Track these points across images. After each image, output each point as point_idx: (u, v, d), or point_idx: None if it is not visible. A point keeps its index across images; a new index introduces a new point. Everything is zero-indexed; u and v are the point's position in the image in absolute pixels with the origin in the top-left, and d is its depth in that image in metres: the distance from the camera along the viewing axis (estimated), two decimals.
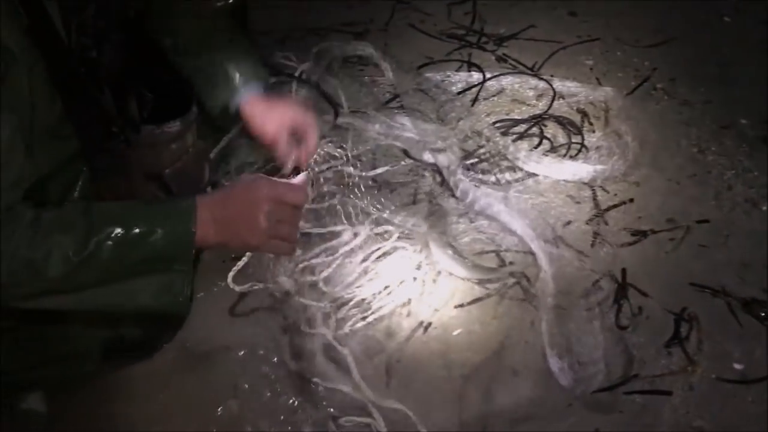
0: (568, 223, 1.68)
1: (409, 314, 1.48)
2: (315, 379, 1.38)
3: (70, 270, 0.95)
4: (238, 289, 1.44)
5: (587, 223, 1.68)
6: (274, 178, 1.10)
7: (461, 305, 1.51)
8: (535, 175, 1.77)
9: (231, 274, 1.42)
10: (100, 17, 1.12)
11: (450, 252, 1.58)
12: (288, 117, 1.32)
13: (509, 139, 1.84)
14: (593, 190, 1.75)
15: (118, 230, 0.97)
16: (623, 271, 1.57)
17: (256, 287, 1.47)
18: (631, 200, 1.73)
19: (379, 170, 1.78)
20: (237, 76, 1.34)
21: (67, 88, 1.05)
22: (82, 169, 1.21)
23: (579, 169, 1.76)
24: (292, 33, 2.22)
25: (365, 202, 1.71)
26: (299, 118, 1.34)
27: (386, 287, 1.52)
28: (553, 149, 1.85)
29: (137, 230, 0.98)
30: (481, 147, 1.79)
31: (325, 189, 1.75)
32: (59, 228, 0.95)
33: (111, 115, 1.19)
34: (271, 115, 1.32)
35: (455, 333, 1.47)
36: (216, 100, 1.35)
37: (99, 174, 1.25)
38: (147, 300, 1.04)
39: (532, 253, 1.58)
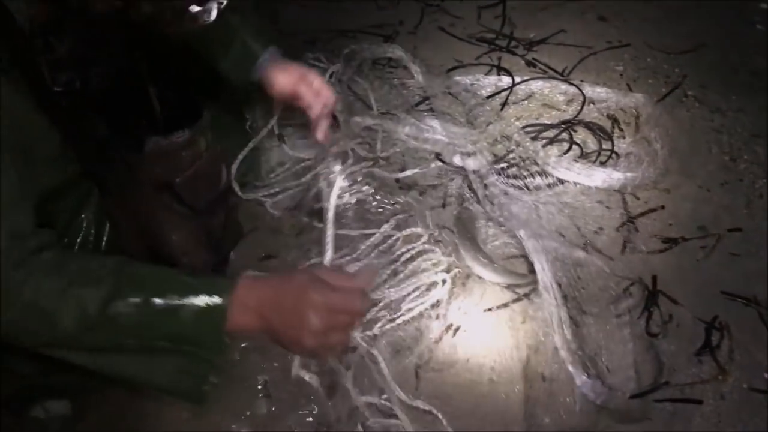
0: (599, 229, 1.67)
1: (438, 317, 1.48)
2: (343, 380, 1.38)
3: (86, 328, 0.92)
4: None
5: (617, 230, 1.67)
6: (331, 278, 1.00)
7: (490, 309, 1.51)
8: (564, 180, 1.76)
9: None
10: (80, 49, 1.09)
11: (479, 256, 1.58)
12: (299, 72, 1.55)
13: (539, 144, 1.83)
14: (623, 196, 1.74)
15: (146, 299, 0.92)
16: (654, 278, 1.56)
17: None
18: (662, 207, 1.71)
19: (408, 172, 1.78)
20: (252, 41, 1.51)
21: (59, 117, 1.06)
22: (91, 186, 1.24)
23: (609, 176, 1.74)
24: (322, 35, 2.23)
25: (394, 204, 1.73)
26: (308, 73, 1.56)
27: (415, 289, 1.52)
28: (583, 155, 1.84)
29: (166, 302, 0.93)
30: (511, 152, 1.79)
31: (355, 190, 1.76)
32: (83, 282, 0.92)
33: (105, 136, 1.19)
34: (286, 73, 1.53)
35: (484, 337, 1.46)
36: (232, 64, 1.51)
37: (108, 189, 1.27)
38: (161, 380, 1.00)
39: (560, 260, 1.58)
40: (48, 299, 0.90)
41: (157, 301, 0.93)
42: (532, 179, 1.74)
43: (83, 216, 1.27)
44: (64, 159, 1.14)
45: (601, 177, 1.73)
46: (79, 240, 1.26)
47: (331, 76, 1.98)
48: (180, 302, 0.93)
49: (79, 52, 1.08)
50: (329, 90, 1.59)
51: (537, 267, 1.49)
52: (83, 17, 1.06)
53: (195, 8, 1.01)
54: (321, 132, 1.65)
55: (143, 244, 1.32)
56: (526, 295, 1.54)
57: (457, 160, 1.78)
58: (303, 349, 0.99)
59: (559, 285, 1.53)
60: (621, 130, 1.92)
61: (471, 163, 1.76)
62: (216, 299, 0.94)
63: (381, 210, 1.70)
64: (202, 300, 0.93)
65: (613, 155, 1.84)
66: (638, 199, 1.74)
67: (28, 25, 0.97)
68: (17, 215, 0.94)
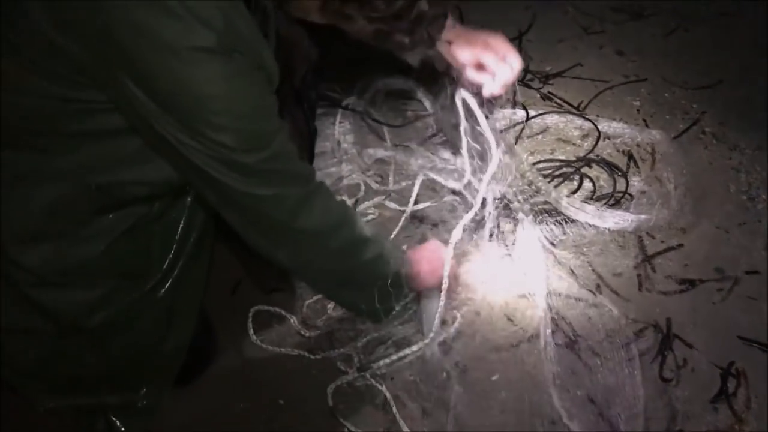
0: (612, 269, 1.64)
1: (447, 354, 1.46)
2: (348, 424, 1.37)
3: (352, 244, 1.26)
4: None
5: (632, 270, 1.64)
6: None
7: (501, 348, 1.48)
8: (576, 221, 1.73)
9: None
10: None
11: (489, 293, 1.55)
12: (482, 40, 1.42)
13: (551, 184, 1.80)
14: (639, 235, 1.71)
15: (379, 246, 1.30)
16: (668, 321, 1.52)
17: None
18: (680, 245, 1.68)
19: (420, 206, 1.77)
20: None
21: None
22: None
23: (621, 219, 1.70)
24: (337, 65, 2.22)
25: (405, 237, 1.71)
26: (491, 38, 1.42)
27: (424, 327, 1.50)
28: (596, 193, 1.82)
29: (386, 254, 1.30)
30: (523, 191, 1.76)
31: (369, 221, 1.75)
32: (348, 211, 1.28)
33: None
34: (467, 43, 1.42)
35: (494, 377, 1.44)
36: None
37: None
38: (368, 305, 1.35)
39: (577, 299, 1.55)
40: (341, 215, 1.24)
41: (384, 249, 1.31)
42: (543, 217, 1.71)
43: None
44: None
45: (613, 219, 1.69)
46: None
47: (345, 108, 1.98)
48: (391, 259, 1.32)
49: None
50: (515, 54, 1.43)
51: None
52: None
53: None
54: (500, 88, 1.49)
55: None
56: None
57: (469, 193, 1.76)
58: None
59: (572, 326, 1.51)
60: (637, 166, 1.89)
61: (483, 198, 1.74)
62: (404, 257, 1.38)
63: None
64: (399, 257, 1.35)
65: (627, 195, 1.80)
66: (654, 238, 1.71)
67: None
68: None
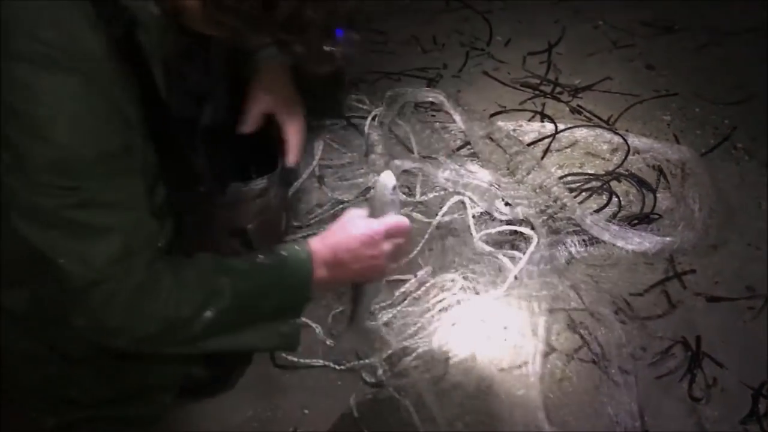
0: (640, 285, 1.63)
1: (472, 370, 1.45)
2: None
3: (212, 324, 1.00)
4: None
5: (660, 286, 1.62)
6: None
7: (526, 363, 1.47)
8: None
9: None
10: (205, 79, 1.16)
11: (516, 307, 1.55)
12: (272, 105, 1.32)
13: (576, 201, 1.78)
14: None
15: (249, 286, 1.03)
16: (698, 339, 1.51)
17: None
18: (709, 262, 1.66)
19: (446, 218, 1.77)
20: None
21: (162, 145, 1.05)
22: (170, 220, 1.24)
23: (646, 241, 1.68)
24: (366, 76, 2.24)
25: (430, 250, 1.71)
26: (292, 101, 1.34)
27: (450, 340, 1.50)
28: (623, 211, 1.80)
29: (263, 286, 1.05)
30: (549, 206, 1.75)
31: None
32: (202, 286, 1.00)
33: (200, 174, 1.20)
34: (264, 92, 1.32)
35: (519, 392, 1.43)
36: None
37: (185, 228, 1.27)
38: (259, 344, 1.12)
39: (604, 315, 1.54)
40: (178, 310, 0.98)
41: (257, 286, 1.05)
42: (569, 236, 1.69)
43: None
44: (155, 189, 1.12)
45: (637, 240, 1.67)
46: None
47: (373, 119, 1.98)
48: (275, 282, 1.06)
49: (203, 85, 1.16)
50: (295, 138, 1.35)
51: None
52: (209, 51, 1.15)
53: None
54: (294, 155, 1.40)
55: None
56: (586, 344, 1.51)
57: (496, 207, 1.76)
58: (382, 274, 1.15)
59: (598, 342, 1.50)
60: (667, 181, 1.87)
61: (510, 212, 1.73)
62: (301, 273, 1.07)
63: (417, 255, 1.69)
64: (289, 276, 1.06)
65: (654, 214, 1.78)
66: (683, 255, 1.68)
67: (161, 54, 1.00)
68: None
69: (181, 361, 1.32)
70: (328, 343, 1.51)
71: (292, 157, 1.36)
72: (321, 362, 1.48)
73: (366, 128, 1.97)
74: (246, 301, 1.04)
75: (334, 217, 1.75)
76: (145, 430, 1.35)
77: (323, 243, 1.09)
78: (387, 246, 1.09)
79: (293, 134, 1.34)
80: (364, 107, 2.08)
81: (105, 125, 0.88)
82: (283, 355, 1.49)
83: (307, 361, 1.48)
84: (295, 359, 1.48)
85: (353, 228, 1.09)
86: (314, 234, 1.69)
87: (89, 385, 1.26)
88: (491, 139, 1.95)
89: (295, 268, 1.07)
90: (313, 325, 1.53)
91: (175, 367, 1.31)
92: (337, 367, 1.47)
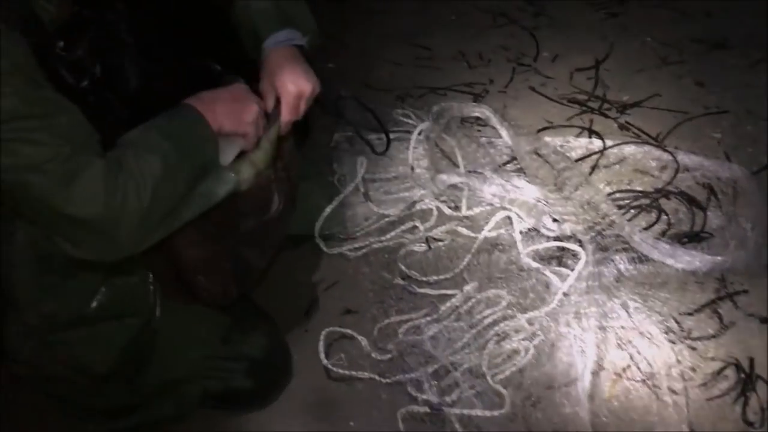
0: (691, 304, 1.60)
1: (519, 387, 1.44)
2: None
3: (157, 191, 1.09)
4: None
5: (712, 306, 1.59)
6: None
7: (574, 381, 1.45)
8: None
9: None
10: (101, 48, 1.17)
11: (564, 324, 1.53)
12: (290, 86, 1.34)
13: (625, 218, 1.77)
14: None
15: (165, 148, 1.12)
16: (751, 361, 1.47)
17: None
18: (761, 283, 1.62)
19: (493, 233, 1.76)
20: (259, 20, 1.38)
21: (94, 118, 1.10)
22: None
23: (696, 260, 1.64)
24: (413, 91, 2.26)
25: (476, 264, 1.71)
26: (308, 83, 1.35)
27: (497, 356, 1.49)
28: (672, 229, 1.77)
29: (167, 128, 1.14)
30: (597, 223, 1.73)
31: (441, 246, 1.75)
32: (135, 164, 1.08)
33: None
34: (278, 72, 1.34)
35: (567, 411, 1.41)
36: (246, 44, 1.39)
37: None
38: (219, 195, 1.20)
39: (653, 334, 1.51)
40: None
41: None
42: (618, 253, 1.67)
43: None
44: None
45: (687, 259, 1.64)
46: None
47: (419, 133, 1.99)
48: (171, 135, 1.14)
49: (100, 52, 1.16)
50: (286, 114, 1.36)
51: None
52: (104, 16, 1.17)
53: None
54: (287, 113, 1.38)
55: (158, 249, 1.28)
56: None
57: (543, 223, 1.75)
58: (247, 126, 1.25)
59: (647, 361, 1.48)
60: (717, 199, 1.84)
61: (557, 228, 1.72)
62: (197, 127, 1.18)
63: (463, 269, 1.69)
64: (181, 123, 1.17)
65: (704, 233, 1.75)
66: (735, 274, 1.65)
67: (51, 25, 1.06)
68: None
69: (201, 346, 1.39)
70: (373, 355, 1.52)
71: (285, 114, 1.36)
72: (367, 375, 1.48)
73: (412, 143, 1.97)
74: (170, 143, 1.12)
75: (380, 230, 1.79)
76: None
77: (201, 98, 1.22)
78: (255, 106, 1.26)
79: (285, 93, 1.34)
80: (410, 122, 2.10)
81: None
82: (332, 367, 1.49)
83: (353, 373, 1.49)
84: (341, 370, 1.49)
85: None
86: (361, 247, 1.74)
87: (117, 396, 1.33)
88: (538, 154, 1.95)
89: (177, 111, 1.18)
90: (359, 338, 1.54)
91: (197, 354, 1.38)
92: (383, 380, 1.47)
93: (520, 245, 1.72)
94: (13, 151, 0.97)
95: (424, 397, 1.43)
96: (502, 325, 1.54)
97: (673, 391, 1.43)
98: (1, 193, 1.02)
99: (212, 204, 1.20)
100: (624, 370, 1.48)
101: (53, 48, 1.08)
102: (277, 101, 1.35)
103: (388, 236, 1.78)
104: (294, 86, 1.33)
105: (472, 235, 1.77)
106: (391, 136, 2.03)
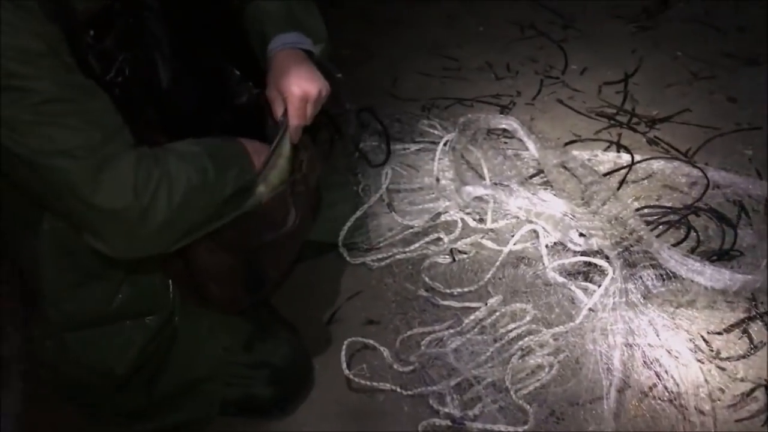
0: (720, 323, 1.56)
1: (543, 403, 1.42)
2: None
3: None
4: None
5: (741, 326, 1.56)
6: None
7: (600, 399, 1.43)
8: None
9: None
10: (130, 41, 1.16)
11: (590, 340, 1.51)
12: (295, 88, 1.27)
13: (654, 234, 1.74)
14: None
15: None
16: None
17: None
18: None
19: (518, 246, 1.74)
20: (267, 22, 1.35)
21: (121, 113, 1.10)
22: None
23: (726, 278, 1.60)
24: (439, 102, 2.25)
25: (501, 278, 1.69)
26: (299, 92, 1.27)
27: (521, 370, 1.47)
28: (701, 246, 1.74)
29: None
30: (625, 239, 1.70)
31: (465, 258, 1.74)
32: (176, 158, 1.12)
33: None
34: (283, 75, 1.28)
35: (590, 428, 1.38)
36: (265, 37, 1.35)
37: None
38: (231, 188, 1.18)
39: (680, 353, 1.48)
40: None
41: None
42: (645, 270, 1.64)
43: None
44: None
45: (716, 277, 1.60)
46: None
47: (445, 144, 1.98)
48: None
49: (129, 44, 1.15)
50: (294, 117, 1.29)
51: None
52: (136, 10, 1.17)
53: None
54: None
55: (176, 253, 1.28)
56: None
57: (569, 237, 1.72)
58: None
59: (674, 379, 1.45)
60: (748, 216, 1.81)
61: (584, 243, 1.70)
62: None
63: (487, 282, 1.67)
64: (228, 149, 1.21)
65: (734, 251, 1.72)
66: (766, 294, 1.62)
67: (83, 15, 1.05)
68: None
69: (222, 348, 1.40)
70: (395, 367, 1.50)
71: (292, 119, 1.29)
72: (389, 386, 1.47)
73: (437, 153, 1.96)
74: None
75: (404, 241, 1.78)
76: None
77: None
78: None
79: (290, 96, 1.27)
80: (436, 132, 2.09)
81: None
82: (354, 378, 1.48)
83: (375, 384, 1.47)
84: (364, 382, 1.48)
85: None
86: (384, 258, 1.74)
87: (137, 398, 1.34)
88: (565, 167, 1.92)
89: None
90: (381, 349, 1.52)
91: (216, 355, 1.39)
92: (404, 392, 1.46)
93: (546, 259, 1.70)
94: (44, 134, 0.98)
95: (446, 410, 1.41)
96: (526, 339, 1.52)
97: (700, 412, 1.40)
98: (29, 181, 1.03)
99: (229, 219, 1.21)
100: (650, 388, 1.45)
101: (83, 37, 1.07)
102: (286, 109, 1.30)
103: (412, 247, 1.77)
104: (298, 89, 1.26)
105: (497, 248, 1.75)
106: (417, 146, 2.06)
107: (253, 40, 1.38)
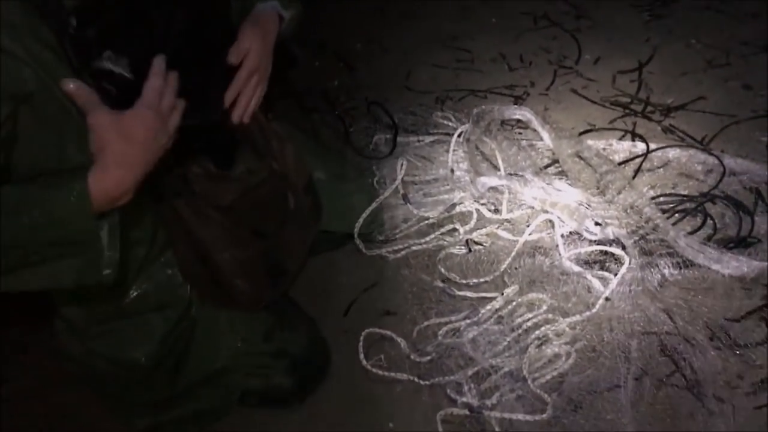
0: (737, 311, 1.56)
1: (560, 392, 1.42)
2: None
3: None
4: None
5: (759, 313, 1.55)
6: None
7: (617, 387, 1.43)
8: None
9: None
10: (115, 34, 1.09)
11: (607, 329, 1.51)
12: (252, 51, 1.25)
13: (670, 222, 1.73)
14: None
15: (24, 219, 0.96)
16: None
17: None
18: None
19: (534, 236, 1.75)
20: None
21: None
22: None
23: (743, 265, 1.60)
24: (453, 93, 2.25)
25: (517, 268, 1.69)
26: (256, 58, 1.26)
27: (538, 360, 1.47)
28: (718, 234, 1.72)
29: (38, 218, 0.97)
30: (641, 227, 1.70)
31: (481, 249, 1.75)
32: None
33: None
34: (248, 37, 1.26)
35: (609, 417, 1.39)
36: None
37: (158, 192, 1.27)
38: (69, 281, 1.05)
39: (697, 341, 1.48)
40: None
41: (32, 217, 0.97)
42: (661, 258, 1.64)
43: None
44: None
45: (734, 264, 1.60)
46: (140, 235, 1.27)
47: (459, 135, 1.99)
48: (49, 216, 0.98)
49: (113, 38, 1.08)
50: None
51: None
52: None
53: None
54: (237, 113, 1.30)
55: (194, 254, 1.31)
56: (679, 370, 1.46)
57: (585, 227, 1.72)
58: (160, 147, 1.07)
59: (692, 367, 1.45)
60: (765, 203, 1.80)
61: (600, 233, 1.70)
62: (76, 207, 0.99)
63: (503, 272, 1.68)
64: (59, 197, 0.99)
65: (751, 238, 1.70)
66: None
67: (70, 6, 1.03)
68: None
69: (241, 338, 1.42)
70: (412, 357, 1.51)
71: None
72: (406, 377, 1.48)
73: (452, 145, 1.97)
74: (31, 233, 0.98)
75: (420, 233, 1.79)
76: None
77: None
78: (149, 114, 1.04)
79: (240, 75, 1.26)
80: (450, 124, 2.10)
81: None
82: (372, 368, 1.49)
83: (393, 374, 1.48)
84: (382, 373, 1.49)
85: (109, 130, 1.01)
86: (400, 249, 1.74)
87: (160, 388, 1.35)
88: (580, 157, 1.92)
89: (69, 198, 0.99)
90: (398, 339, 1.54)
91: (236, 344, 1.41)
92: (422, 382, 1.47)
93: (561, 249, 1.70)
94: None
95: (464, 399, 1.42)
96: (543, 329, 1.52)
97: (719, 399, 1.40)
98: None
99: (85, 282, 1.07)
100: (668, 376, 1.45)
101: (67, 26, 1.03)
102: None
103: (427, 238, 1.77)
104: (248, 44, 1.25)
105: (513, 238, 1.76)
106: (431, 138, 2.06)
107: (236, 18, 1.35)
